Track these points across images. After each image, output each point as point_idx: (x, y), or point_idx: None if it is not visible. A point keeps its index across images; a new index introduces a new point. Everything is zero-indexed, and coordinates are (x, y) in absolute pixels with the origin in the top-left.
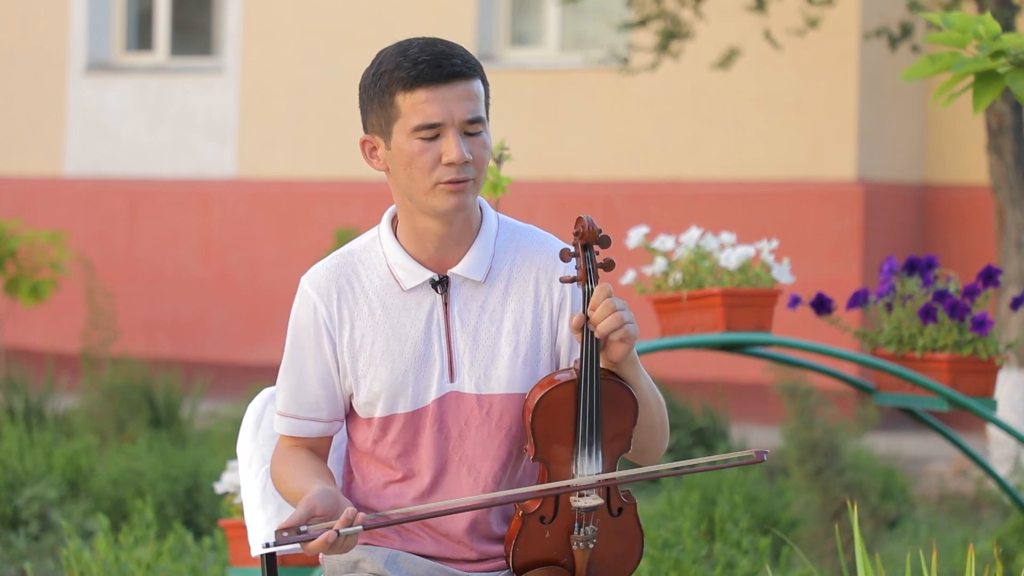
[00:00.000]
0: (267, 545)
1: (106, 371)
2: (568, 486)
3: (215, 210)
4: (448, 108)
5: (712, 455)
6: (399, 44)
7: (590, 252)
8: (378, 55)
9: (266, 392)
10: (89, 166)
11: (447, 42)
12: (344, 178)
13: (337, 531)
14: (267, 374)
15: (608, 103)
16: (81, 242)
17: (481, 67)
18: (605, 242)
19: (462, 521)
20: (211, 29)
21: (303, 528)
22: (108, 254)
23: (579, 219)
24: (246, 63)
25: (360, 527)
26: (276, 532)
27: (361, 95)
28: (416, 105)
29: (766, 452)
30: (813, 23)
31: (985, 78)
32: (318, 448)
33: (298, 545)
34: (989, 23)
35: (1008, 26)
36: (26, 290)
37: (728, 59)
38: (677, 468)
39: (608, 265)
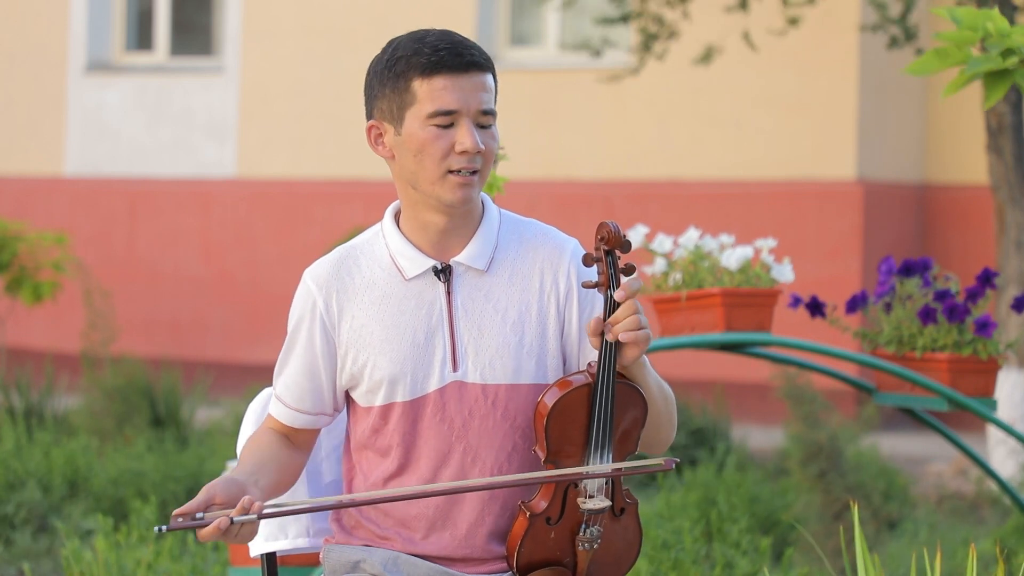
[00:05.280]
0: (160, 530)
1: (106, 371)
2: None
3: (215, 210)
4: (465, 97)
5: (626, 462)
6: (413, 33)
7: (613, 258)
8: (390, 43)
9: (266, 392)
10: (89, 166)
11: (461, 35)
12: (344, 178)
13: (231, 519)
14: (267, 374)
15: (608, 103)
16: (81, 242)
17: (493, 65)
18: (627, 247)
19: (470, 513)
20: (211, 29)
21: (199, 515)
22: (108, 254)
23: (603, 224)
24: (246, 63)
25: (255, 516)
26: (172, 516)
27: (370, 80)
28: (434, 92)
29: (676, 460)
30: (793, 22)
31: (995, 75)
32: (296, 437)
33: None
34: (998, 20)
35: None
36: (28, 290)
37: (706, 56)
38: (597, 471)
39: (629, 270)
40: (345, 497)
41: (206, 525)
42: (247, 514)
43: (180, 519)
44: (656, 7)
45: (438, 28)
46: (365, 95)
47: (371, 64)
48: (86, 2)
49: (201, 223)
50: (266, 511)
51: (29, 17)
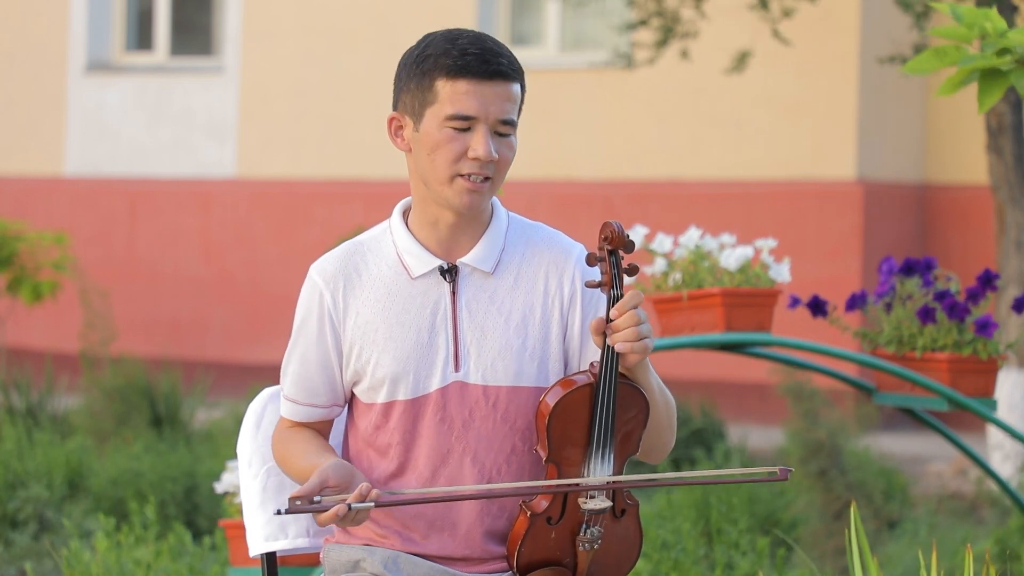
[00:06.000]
0: (279, 512)
1: (106, 371)
2: (580, 484)
3: (215, 210)
4: (485, 104)
5: (734, 468)
6: (449, 31)
7: (616, 258)
8: (425, 37)
9: (266, 392)
10: (89, 166)
11: (496, 40)
12: (344, 178)
13: (349, 505)
14: (267, 374)
15: (608, 103)
16: (81, 242)
17: (523, 73)
18: (631, 248)
19: (469, 514)
20: (211, 29)
21: (316, 499)
22: (108, 254)
23: (607, 224)
24: (246, 63)
25: (372, 503)
26: (289, 499)
27: (399, 72)
28: (455, 95)
29: (790, 469)
30: (787, 14)
31: (990, 76)
32: (319, 429)
33: (308, 539)
34: (996, 19)
35: (1009, 24)
36: (27, 290)
37: (740, 62)
38: (703, 477)
39: (632, 270)
40: (451, 489)
41: (325, 510)
42: (365, 501)
43: (298, 502)
44: (673, 6)
45: (474, 30)
46: (394, 86)
47: (403, 56)
48: (86, 2)
49: (201, 223)
50: (382, 498)
51: (29, 17)
